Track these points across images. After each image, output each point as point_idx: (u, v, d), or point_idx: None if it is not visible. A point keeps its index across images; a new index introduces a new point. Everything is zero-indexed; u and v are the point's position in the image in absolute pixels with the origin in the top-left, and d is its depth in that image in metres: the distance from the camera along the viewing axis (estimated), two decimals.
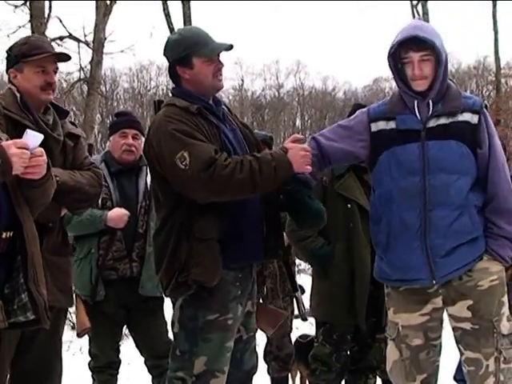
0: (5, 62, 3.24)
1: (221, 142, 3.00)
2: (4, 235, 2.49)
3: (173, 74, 3.14)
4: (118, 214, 3.97)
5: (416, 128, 3.06)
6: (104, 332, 4.07)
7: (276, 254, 3.27)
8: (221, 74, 3.14)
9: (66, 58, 3.31)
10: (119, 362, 4.23)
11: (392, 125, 3.12)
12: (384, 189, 3.14)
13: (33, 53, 3.13)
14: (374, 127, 3.16)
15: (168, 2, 13.56)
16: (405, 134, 3.08)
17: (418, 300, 3.11)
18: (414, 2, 20.22)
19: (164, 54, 3.16)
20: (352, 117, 3.30)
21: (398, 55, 3.08)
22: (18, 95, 3.11)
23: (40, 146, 2.51)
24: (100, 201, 4.00)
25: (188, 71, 3.07)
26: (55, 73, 3.24)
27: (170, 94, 3.20)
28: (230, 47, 3.11)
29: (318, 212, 3.13)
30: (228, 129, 3.13)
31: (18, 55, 3.13)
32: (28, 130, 2.48)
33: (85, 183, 3.16)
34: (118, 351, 4.21)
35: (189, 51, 3.04)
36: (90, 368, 4.22)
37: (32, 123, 3.04)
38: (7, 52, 3.22)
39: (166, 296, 3.09)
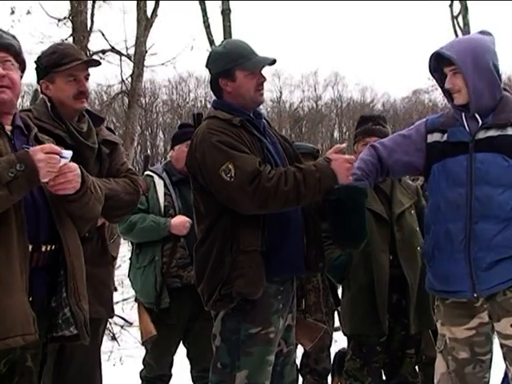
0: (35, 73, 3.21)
1: (264, 155, 3.01)
2: (43, 248, 2.48)
3: (215, 86, 3.16)
4: (180, 221, 4.03)
5: (464, 140, 3.08)
6: (163, 343, 4.08)
7: (317, 268, 3.26)
8: (262, 88, 3.15)
9: (96, 64, 3.27)
10: (170, 375, 4.24)
11: (445, 137, 3.15)
12: (433, 199, 3.17)
13: (63, 62, 3.10)
14: (430, 138, 3.19)
15: (208, 14, 13.63)
16: (455, 146, 3.10)
17: (464, 314, 3.09)
18: (455, 13, 20.03)
19: (207, 66, 3.18)
20: (412, 126, 3.33)
21: (441, 70, 3.14)
22: (49, 104, 3.11)
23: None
24: (163, 208, 4.06)
25: (230, 84, 3.09)
26: (87, 79, 3.20)
27: (212, 107, 3.21)
28: (273, 62, 3.12)
29: (355, 230, 3.13)
30: (269, 142, 3.14)
31: (48, 66, 3.11)
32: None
33: (119, 191, 3.15)
34: (172, 365, 4.22)
35: (232, 64, 3.06)
36: (141, 377, 4.24)
37: (64, 132, 3.05)
38: (36, 63, 3.19)
39: (208, 309, 3.08)
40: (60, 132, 3.03)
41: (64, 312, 2.53)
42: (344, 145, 3.07)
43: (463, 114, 3.11)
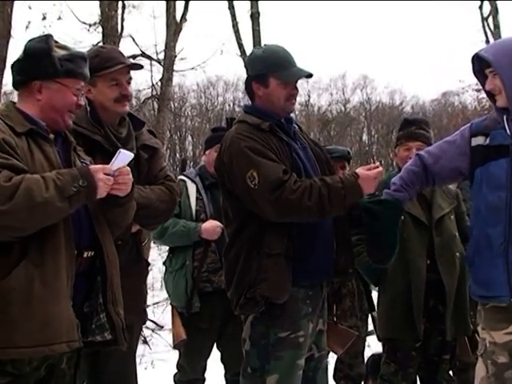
0: None
1: (292, 160, 3.01)
2: (85, 254, 2.54)
3: (248, 87, 3.18)
4: (211, 226, 4.04)
5: (505, 143, 3.04)
6: (196, 346, 4.10)
7: (346, 273, 3.26)
8: (294, 99, 3.16)
9: (138, 67, 3.28)
10: (203, 380, 4.26)
11: (487, 140, 3.12)
12: (475, 204, 3.15)
13: (105, 65, 3.10)
14: (474, 142, 3.16)
15: (237, 18, 13.67)
16: (496, 150, 3.07)
17: (504, 318, 3.05)
18: (485, 15, 19.84)
19: (245, 66, 3.20)
20: (457, 131, 3.30)
21: (483, 71, 3.11)
22: (89, 109, 3.11)
23: (111, 159, 2.56)
24: (194, 213, 4.08)
25: (262, 89, 3.10)
26: (129, 83, 3.20)
27: (242, 111, 3.23)
28: (310, 75, 3.13)
29: (388, 245, 3.12)
30: (299, 147, 3.14)
31: (91, 69, 3.03)
32: (121, 150, 2.55)
33: (154, 199, 3.14)
34: (205, 369, 4.23)
35: (267, 70, 3.07)
36: (174, 380, 4.27)
37: (103, 137, 3.05)
38: None
39: (237, 313, 3.09)
40: (98, 137, 3.05)
41: (99, 317, 2.57)
42: (380, 168, 3.04)
43: (504, 117, 3.08)
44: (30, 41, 2.64)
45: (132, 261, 3.20)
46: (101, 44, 11.53)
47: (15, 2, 9.40)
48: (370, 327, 4.76)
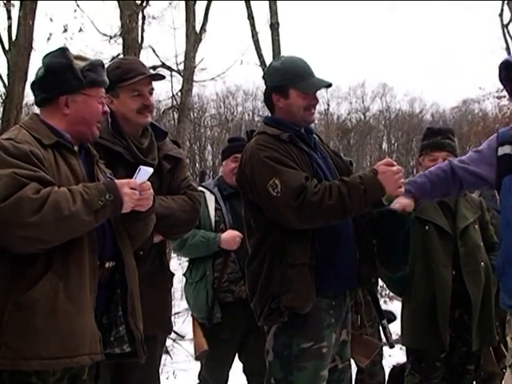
0: None
1: (313, 170, 3.00)
2: (107, 265, 2.56)
3: (268, 99, 3.18)
4: (231, 236, 4.03)
5: None
6: (218, 357, 4.08)
7: (369, 283, 3.24)
8: (314, 109, 3.15)
9: (160, 77, 3.28)
10: None
11: None
12: (503, 214, 3.13)
13: (127, 77, 3.11)
14: (501, 151, 3.15)
15: (257, 28, 13.68)
16: None
17: None
18: (505, 22, 19.74)
19: (263, 77, 3.21)
20: (486, 140, 3.30)
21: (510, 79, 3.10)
22: (110, 120, 3.11)
23: (134, 171, 2.57)
24: (213, 224, 4.07)
25: (283, 100, 3.10)
26: (151, 94, 3.20)
27: (262, 123, 3.22)
28: (329, 85, 3.13)
29: (399, 253, 3.10)
30: (319, 157, 3.13)
31: (113, 80, 3.06)
32: (141, 167, 2.56)
33: (176, 209, 3.13)
34: (227, 380, 4.21)
35: (287, 82, 3.07)
36: None
37: (124, 148, 3.06)
38: None
39: (260, 324, 3.07)
40: (119, 148, 3.05)
41: (118, 330, 2.58)
42: (398, 168, 3.00)
43: None
44: (46, 57, 2.64)
45: (156, 271, 3.19)
46: (121, 56, 11.63)
47: (37, 14, 9.51)
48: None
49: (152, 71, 3.41)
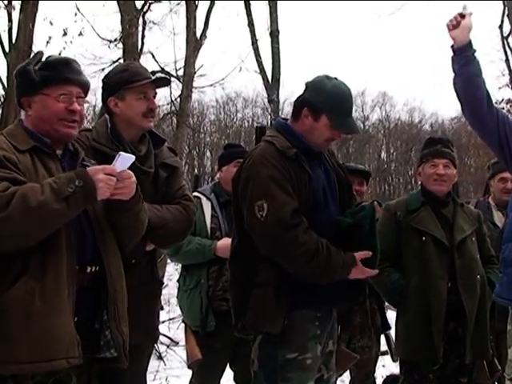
0: (101, 91, 3.23)
1: (309, 192, 2.97)
2: (89, 269, 2.53)
3: (298, 108, 3.10)
4: (227, 244, 3.97)
5: None
6: (210, 366, 4.05)
7: (356, 301, 3.23)
8: (332, 141, 3.14)
9: (165, 83, 3.30)
10: None
11: None
12: None
13: (134, 79, 3.12)
14: None
15: (257, 36, 13.74)
16: None
17: None
18: (505, 34, 19.79)
19: (306, 84, 3.11)
20: None
21: None
22: (109, 126, 3.10)
23: None
24: (209, 231, 4.05)
25: (311, 119, 3.05)
26: (154, 98, 3.20)
27: (274, 128, 3.18)
28: (357, 132, 3.18)
29: (377, 252, 3.07)
30: (322, 171, 3.10)
31: (120, 82, 3.12)
32: (121, 153, 2.52)
33: (170, 219, 3.11)
34: None
35: (326, 107, 3.01)
36: None
37: None
38: (104, 81, 3.22)
39: (237, 335, 3.11)
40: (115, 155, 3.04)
41: (105, 334, 2.56)
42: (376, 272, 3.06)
43: None
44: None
45: (145, 280, 3.18)
46: (121, 60, 11.63)
47: (37, 17, 9.52)
48: (384, 346, 4.71)
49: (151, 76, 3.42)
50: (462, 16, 3.23)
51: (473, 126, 3.40)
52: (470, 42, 3.24)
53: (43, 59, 2.64)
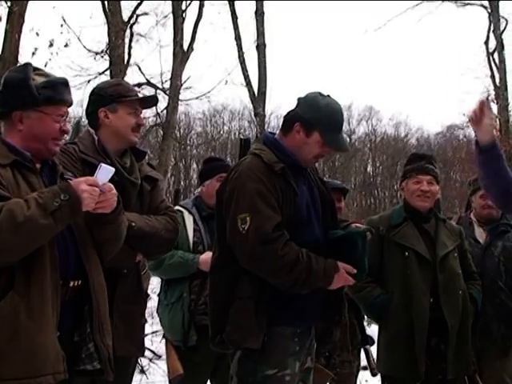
0: (87, 102, 3.27)
1: (294, 208, 2.97)
2: (71, 284, 2.52)
3: (290, 122, 3.09)
4: (209, 257, 3.96)
5: None
6: (192, 380, 4.01)
7: (332, 320, 3.23)
8: (321, 157, 3.17)
9: (155, 102, 3.42)
10: None
11: None
12: None
13: (128, 94, 3.20)
14: None
15: (243, 49, 13.76)
16: None
17: None
18: (491, 50, 19.97)
19: (298, 100, 3.12)
20: None
21: None
22: (96, 138, 3.13)
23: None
24: (192, 245, 4.04)
25: (302, 135, 3.05)
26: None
27: (262, 142, 3.18)
28: (347, 150, 3.32)
29: (365, 269, 3.07)
30: (307, 187, 3.11)
31: (114, 95, 3.17)
32: (102, 164, 2.52)
33: (160, 228, 3.15)
34: None
35: (319, 124, 3.02)
36: None
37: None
38: (96, 91, 3.26)
39: (213, 348, 3.09)
40: None
41: (88, 347, 2.54)
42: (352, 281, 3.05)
43: None
44: (9, 71, 2.65)
45: (133, 291, 3.19)
46: (107, 72, 11.62)
47: (23, 28, 9.50)
48: (364, 361, 4.70)
49: (137, 88, 3.50)
50: (483, 104, 3.19)
51: (494, 204, 3.52)
52: (494, 141, 3.23)
53: (40, 76, 2.59)
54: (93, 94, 3.28)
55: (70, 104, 2.65)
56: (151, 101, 3.37)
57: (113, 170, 2.53)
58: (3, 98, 2.59)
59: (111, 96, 3.18)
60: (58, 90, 2.59)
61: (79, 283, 2.54)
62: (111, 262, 2.83)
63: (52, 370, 2.36)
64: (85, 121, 3.50)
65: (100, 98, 3.22)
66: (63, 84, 2.63)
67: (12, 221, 2.27)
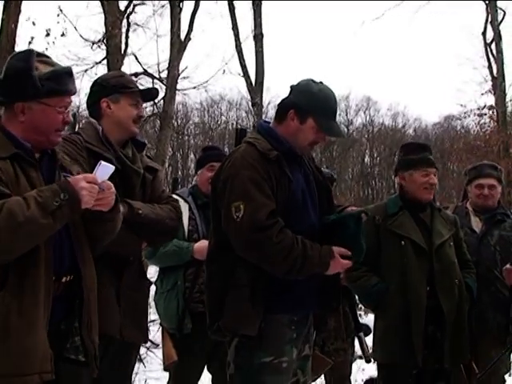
0: (89, 93, 3.29)
1: (288, 195, 2.97)
2: (64, 279, 2.51)
3: (283, 109, 3.10)
4: (204, 246, 3.96)
5: None
6: (187, 368, 4.04)
7: (329, 307, 3.23)
8: (316, 144, 3.16)
9: (156, 95, 3.47)
10: None
11: None
12: None
13: (131, 85, 3.24)
14: None
15: (240, 39, 13.76)
16: None
17: None
18: (488, 41, 19.97)
19: (291, 88, 3.12)
20: None
21: None
22: (100, 128, 3.15)
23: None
24: (187, 233, 4.05)
25: (296, 121, 3.05)
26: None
27: (256, 131, 3.17)
28: (343, 137, 3.15)
29: (361, 250, 3.06)
30: (302, 174, 3.11)
31: (117, 85, 3.20)
32: (102, 161, 2.49)
33: (165, 216, 3.19)
34: None
35: (313, 109, 3.02)
36: None
37: (113, 156, 3.08)
38: (98, 82, 3.27)
39: (211, 337, 3.09)
40: (109, 155, 3.07)
41: (74, 340, 2.54)
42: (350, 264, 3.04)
43: None
44: (11, 57, 2.54)
45: (137, 278, 3.23)
46: (104, 61, 11.59)
47: (19, 18, 9.47)
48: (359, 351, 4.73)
49: (134, 78, 3.54)
50: None
51: None
52: None
53: (44, 64, 2.51)
54: (95, 84, 3.30)
55: (74, 93, 2.59)
56: (152, 93, 3.41)
57: (112, 167, 2.50)
58: (5, 88, 2.50)
59: (114, 86, 3.20)
60: (62, 82, 2.51)
61: (71, 278, 2.53)
62: (118, 250, 2.89)
63: (40, 369, 2.35)
64: (81, 112, 3.51)
65: (102, 89, 3.23)
66: (67, 74, 2.55)
67: (12, 221, 2.24)
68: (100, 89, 3.24)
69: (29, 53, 2.53)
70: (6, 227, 2.24)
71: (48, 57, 2.60)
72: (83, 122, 3.41)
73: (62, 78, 2.52)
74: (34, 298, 2.35)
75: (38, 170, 2.51)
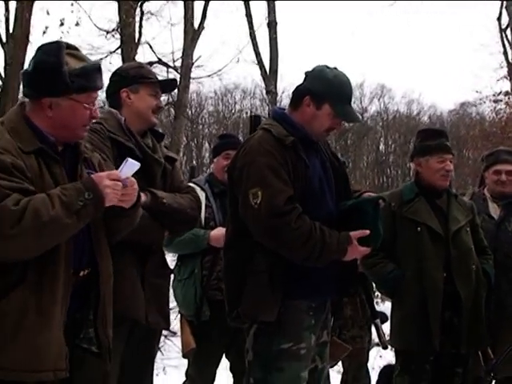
0: (108, 83, 3.28)
1: (305, 181, 2.97)
2: (81, 273, 2.51)
3: (299, 96, 3.09)
4: (221, 233, 3.96)
5: None
6: (206, 355, 4.06)
7: (347, 293, 3.23)
8: (332, 130, 3.15)
9: (174, 86, 3.55)
10: None
11: None
12: None
13: (150, 76, 3.28)
14: None
15: (254, 26, 13.71)
16: None
17: None
18: (503, 26, 19.78)
19: (306, 74, 3.11)
20: None
21: None
22: (122, 118, 3.17)
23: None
24: (203, 221, 4.07)
25: (313, 108, 3.04)
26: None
27: (272, 117, 3.16)
28: (359, 121, 3.28)
29: (379, 235, 3.06)
30: (319, 161, 3.10)
31: (137, 76, 3.22)
32: (128, 159, 2.49)
33: (186, 205, 3.21)
34: (214, 378, 4.18)
35: (329, 95, 3.01)
36: None
37: (135, 146, 3.11)
38: (119, 73, 3.29)
39: (230, 324, 3.10)
40: (132, 145, 3.10)
41: (88, 331, 2.55)
42: (369, 250, 3.04)
43: None
44: (40, 48, 2.50)
45: (160, 266, 3.26)
46: (119, 51, 11.60)
47: (33, 7, 9.50)
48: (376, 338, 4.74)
49: (148, 67, 3.59)
50: None
51: None
52: None
53: (74, 58, 2.47)
54: (115, 74, 3.32)
55: (101, 88, 2.57)
56: (172, 84, 3.49)
57: (138, 164, 2.50)
58: (33, 81, 2.48)
59: (133, 77, 3.22)
60: (91, 78, 2.49)
61: (89, 271, 2.54)
62: (141, 238, 2.92)
63: (54, 366, 2.35)
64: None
65: (122, 79, 3.26)
66: (97, 70, 2.52)
67: (37, 220, 2.24)
68: (120, 79, 3.26)
69: (59, 46, 2.47)
70: (32, 228, 2.24)
71: (77, 49, 2.56)
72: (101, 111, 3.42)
73: (92, 75, 2.49)
74: (52, 297, 2.35)
75: (62, 166, 2.48)
